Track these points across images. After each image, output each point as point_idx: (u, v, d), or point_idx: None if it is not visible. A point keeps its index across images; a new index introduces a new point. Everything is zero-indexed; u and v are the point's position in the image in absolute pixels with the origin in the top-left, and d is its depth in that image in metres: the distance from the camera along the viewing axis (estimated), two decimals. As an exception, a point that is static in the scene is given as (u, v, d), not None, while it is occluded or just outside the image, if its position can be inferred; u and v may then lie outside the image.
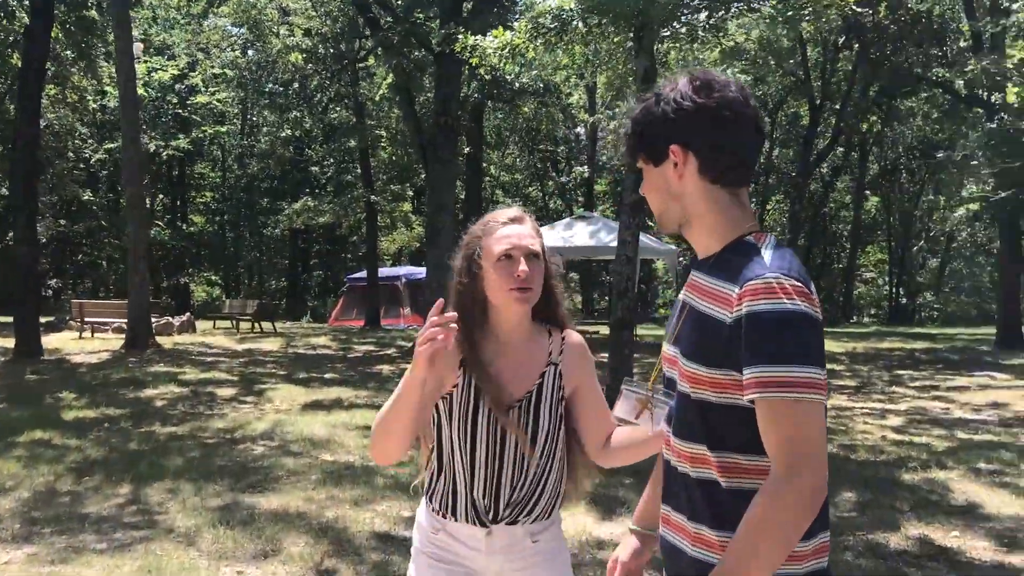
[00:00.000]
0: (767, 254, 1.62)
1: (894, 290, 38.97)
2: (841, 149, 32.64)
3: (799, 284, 1.55)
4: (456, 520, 2.11)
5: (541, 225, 23.85)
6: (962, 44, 22.66)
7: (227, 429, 8.74)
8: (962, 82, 20.47)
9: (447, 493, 2.12)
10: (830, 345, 19.20)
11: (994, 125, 18.21)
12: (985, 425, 9.36)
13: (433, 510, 2.16)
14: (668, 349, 1.80)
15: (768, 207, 37.07)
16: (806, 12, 7.94)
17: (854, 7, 8.33)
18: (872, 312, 40.87)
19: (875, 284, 42.71)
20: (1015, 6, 19.07)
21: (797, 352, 1.51)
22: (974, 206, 22.31)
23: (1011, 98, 16.19)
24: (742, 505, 1.55)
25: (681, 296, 1.83)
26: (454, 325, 1.91)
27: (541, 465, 2.13)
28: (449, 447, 2.13)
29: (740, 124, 1.69)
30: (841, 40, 21.95)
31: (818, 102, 26.89)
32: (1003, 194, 17.47)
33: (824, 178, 33.81)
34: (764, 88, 32.63)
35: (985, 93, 20.54)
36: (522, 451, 2.10)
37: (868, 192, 37.20)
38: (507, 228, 2.12)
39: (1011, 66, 16.94)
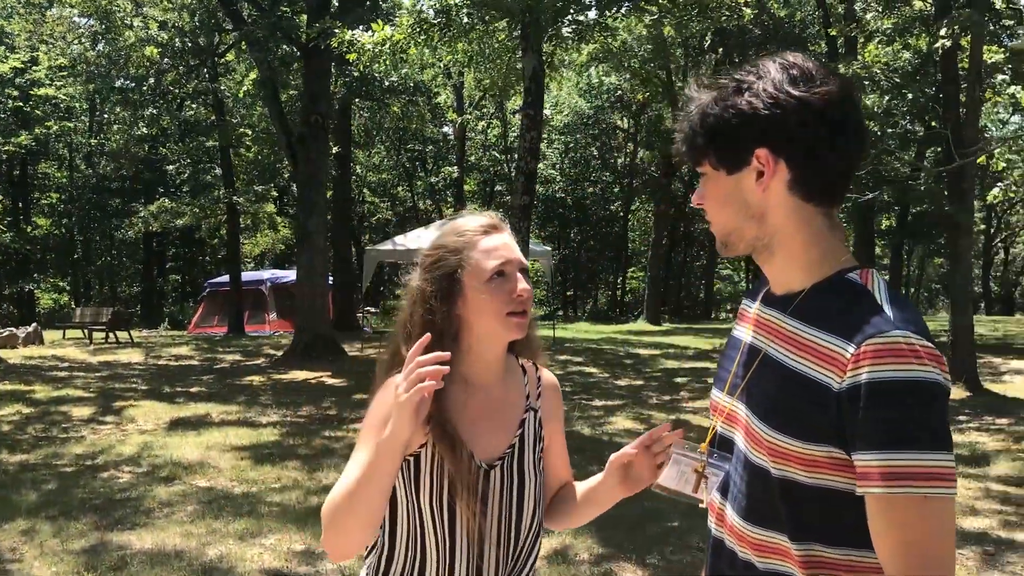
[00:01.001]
0: (884, 301, 1.30)
1: (748, 285, 40.40)
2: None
3: (930, 345, 1.24)
4: None
5: (412, 228, 23.79)
6: (823, 49, 23.55)
7: (87, 455, 7.96)
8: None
9: None
10: (699, 342, 19.58)
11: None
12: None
13: None
14: (724, 401, 1.47)
15: (632, 207, 37.82)
16: (694, 11, 7.88)
17: (744, 7, 8.31)
18: (729, 308, 42.25)
19: (732, 281, 44.31)
20: (868, 16, 19.93)
21: (930, 433, 1.20)
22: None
23: (866, 103, 16.85)
24: None
25: (746, 337, 1.48)
26: (446, 367, 1.51)
27: (532, 534, 1.76)
28: (414, 524, 1.68)
29: (847, 128, 1.34)
30: (707, 44, 22.37)
31: (680, 104, 27.41)
32: (858, 197, 18.18)
33: (685, 178, 34.60)
34: (627, 89, 33.24)
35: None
36: (509, 520, 1.72)
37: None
38: (491, 238, 1.74)
39: (860, 71, 17.63)
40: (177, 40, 20.76)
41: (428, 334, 1.56)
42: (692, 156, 1.41)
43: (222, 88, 23.92)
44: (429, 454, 1.66)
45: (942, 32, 12.47)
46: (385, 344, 1.85)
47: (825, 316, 1.31)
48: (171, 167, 32.71)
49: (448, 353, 1.53)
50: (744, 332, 1.50)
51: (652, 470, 1.64)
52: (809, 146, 1.32)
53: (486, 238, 1.73)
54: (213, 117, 24.23)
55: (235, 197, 24.45)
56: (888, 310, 1.27)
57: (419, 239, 18.78)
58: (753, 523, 1.37)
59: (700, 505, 1.52)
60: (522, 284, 1.69)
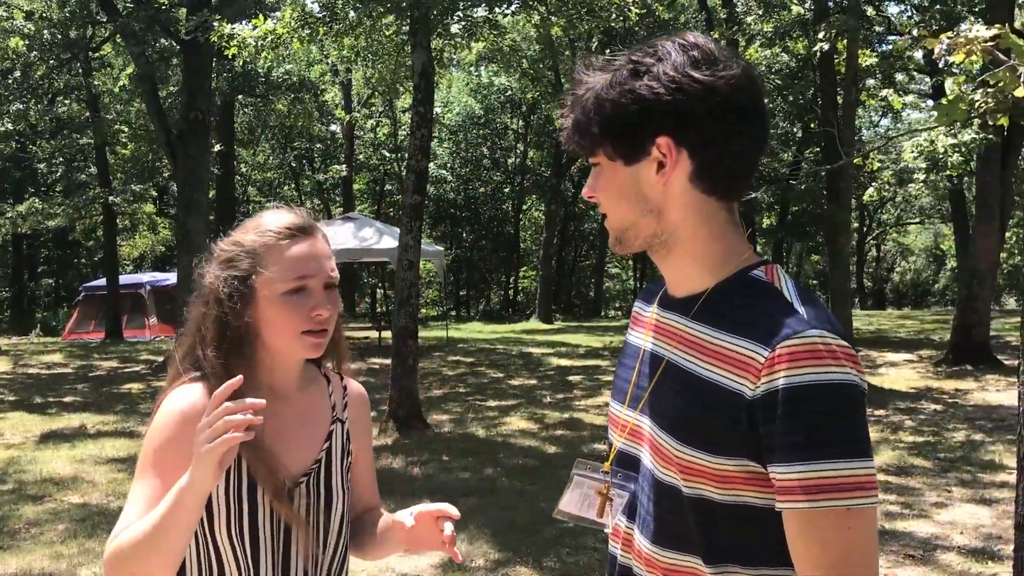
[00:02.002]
0: (794, 299, 1.21)
1: (638, 284, 41.16)
2: (590, 151, 33.97)
3: (846, 345, 1.16)
4: None
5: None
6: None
7: (-54, 473, 7.43)
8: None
9: None
10: (590, 340, 19.77)
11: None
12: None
13: None
14: (626, 415, 1.35)
15: (524, 206, 38.02)
16: (583, 10, 7.88)
17: (636, 8, 8.37)
18: (617, 305, 42.96)
19: (620, 279, 45.09)
20: (749, 19, 20.53)
21: (851, 440, 1.12)
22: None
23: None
24: None
25: (644, 344, 1.36)
26: (259, 416, 1.33)
27: (340, 556, 1.62)
28: (207, 560, 1.50)
29: (754, 115, 1.24)
30: (594, 45, 22.63)
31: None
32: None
33: (574, 179, 34.98)
34: (517, 89, 33.40)
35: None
36: (316, 540, 1.57)
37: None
38: (297, 245, 1.52)
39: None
40: (46, 32, 19.73)
41: (240, 377, 1.38)
42: (585, 146, 1.29)
43: (97, 83, 22.88)
44: (228, 480, 1.49)
45: (820, 36, 12.88)
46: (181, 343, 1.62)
47: (732, 318, 1.22)
48: (42, 165, 31.19)
49: (263, 401, 1.35)
50: (641, 338, 1.39)
51: (435, 535, 1.52)
52: (714, 135, 1.22)
53: (292, 244, 1.52)
54: (87, 113, 23.14)
55: (111, 197, 23.44)
56: (800, 309, 1.18)
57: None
58: (664, 547, 1.26)
59: (605, 530, 1.39)
60: (325, 305, 1.51)
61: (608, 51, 1.35)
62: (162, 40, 15.70)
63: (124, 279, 25.09)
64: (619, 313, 40.16)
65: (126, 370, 15.41)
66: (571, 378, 13.65)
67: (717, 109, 1.20)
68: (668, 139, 1.22)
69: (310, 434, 1.60)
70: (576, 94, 1.29)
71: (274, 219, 1.55)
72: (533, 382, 13.32)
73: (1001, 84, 3.81)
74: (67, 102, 26.51)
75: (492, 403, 11.28)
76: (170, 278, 23.04)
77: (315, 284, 1.51)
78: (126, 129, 22.62)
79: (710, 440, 1.18)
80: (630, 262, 42.26)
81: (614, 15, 8.12)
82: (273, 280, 1.49)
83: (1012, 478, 6.98)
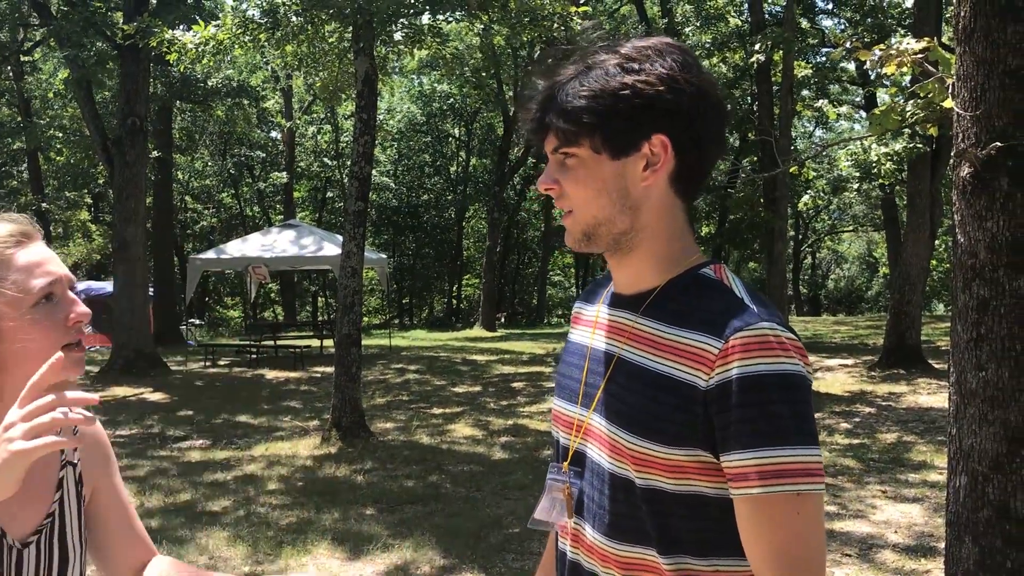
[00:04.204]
0: (743, 295, 1.24)
1: (579, 291, 41.45)
2: (532, 160, 34.14)
3: (794, 337, 1.20)
4: None
5: (238, 235, 22.87)
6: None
7: None
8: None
9: None
10: (534, 347, 19.85)
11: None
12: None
13: None
14: (578, 414, 1.35)
15: (467, 214, 38.04)
16: (527, 19, 7.95)
17: (578, 18, 8.46)
18: (560, 312, 43.18)
19: (563, 287, 45.32)
20: (687, 30, 20.87)
21: (800, 428, 1.15)
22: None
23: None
24: None
25: (593, 342, 1.37)
26: (94, 420, 1.21)
27: None
28: None
29: (726, 120, 1.28)
30: (536, 54, 22.77)
31: (512, 113, 27.85)
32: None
33: (517, 187, 35.12)
34: (459, 97, 33.45)
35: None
36: None
37: (557, 200, 39.24)
38: (27, 251, 1.32)
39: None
40: (-24, 34, 19.24)
41: (60, 355, 1.17)
42: (569, 135, 1.24)
43: (28, 87, 22.38)
44: None
45: (756, 47, 13.17)
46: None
47: (685, 313, 1.24)
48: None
49: (97, 396, 1.17)
50: (586, 336, 1.39)
51: None
52: (701, 136, 1.24)
53: (20, 251, 1.31)
54: (19, 118, 22.62)
55: (44, 204, 22.93)
56: (750, 303, 1.22)
57: (247, 247, 18.16)
58: (618, 540, 1.27)
59: (555, 527, 1.39)
60: (80, 307, 1.31)
61: (550, 61, 1.34)
62: (98, 44, 15.37)
63: (57, 288, 24.51)
64: (562, 320, 40.31)
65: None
66: (515, 384, 13.69)
67: (707, 112, 1.23)
68: (664, 137, 1.22)
69: (38, 485, 1.34)
70: (554, 80, 1.27)
71: None
72: (477, 389, 13.33)
73: (930, 95, 3.95)
74: (-2, 106, 25.86)
75: (436, 410, 11.26)
76: (106, 287, 22.55)
77: (61, 289, 1.32)
78: (60, 134, 22.15)
79: (663, 431, 1.20)
80: (572, 269, 42.57)
81: (556, 24, 8.21)
82: (17, 294, 1.27)
83: (943, 477, 7.20)
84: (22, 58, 21.29)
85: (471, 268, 39.62)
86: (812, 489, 1.15)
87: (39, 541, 1.33)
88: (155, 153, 21.75)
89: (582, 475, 1.33)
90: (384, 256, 22.23)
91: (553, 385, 1.47)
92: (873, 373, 13.83)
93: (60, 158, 25.16)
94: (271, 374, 15.45)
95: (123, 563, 1.45)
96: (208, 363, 17.23)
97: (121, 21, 14.62)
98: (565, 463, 1.37)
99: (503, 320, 32.02)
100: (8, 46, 20.31)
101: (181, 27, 10.07)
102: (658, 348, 1.24)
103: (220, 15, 9.31)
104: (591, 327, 1.40)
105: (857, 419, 10.14)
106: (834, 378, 13.54)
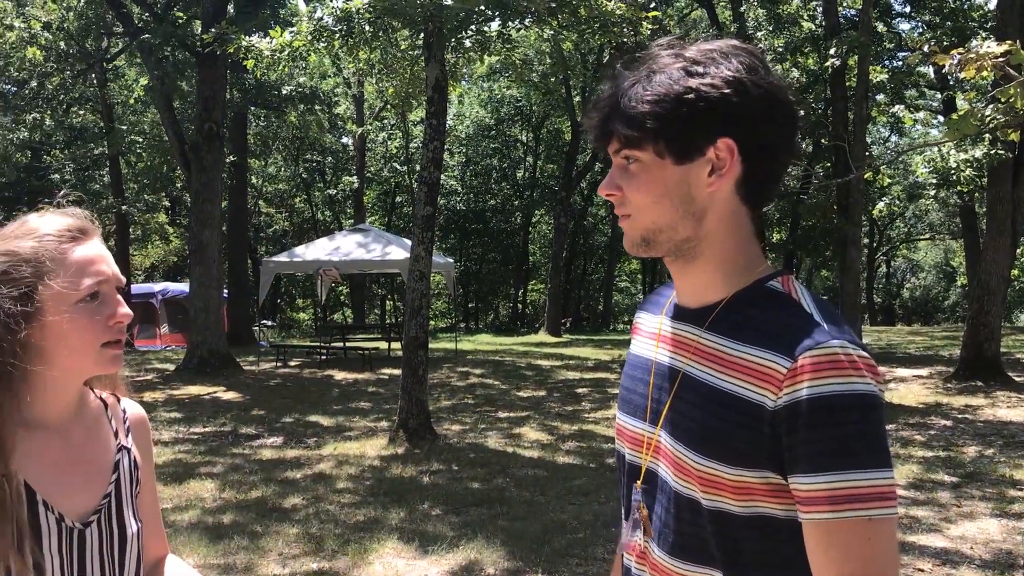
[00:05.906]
0: (813, 311, 1.19)
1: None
2: (600, 165, 34.07)
3: (866, 355, 1.15)
4: None
5: (310, 239, 23.18)
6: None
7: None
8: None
9: None
10: (599, 353, 19.79)
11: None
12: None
13: None
14: (648, 431, 1.33)
15: (534, 219, 38.10)
16: (596, 25, 7.95)
17: (647, 24, 8.44)
18: (626, 319, 42.95)
19: (629, 293, 45.08)
20: (760, 34, 20.61)
21: (874, 451, 1.12)
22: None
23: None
24: None
25: (657, 356, 1.33)
26: None
27: None
28: None
29: (797, 127, 1.24)
30: (605, 59, 22.73)
31: (579, 118, 27.82)
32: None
33: (584, 192, 35.07)
34: (527, 102, 33.54)
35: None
36: None
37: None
38: (82, 248, 1.34)
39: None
40: (62, 43, 19.94)
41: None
42: (632, 140, 1.21)
43: (111, 94, 23.11)
44: (6, 523, 1.29)
45: (831, 52, 12.95)
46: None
47: (752, 329, 1.20)
48: (56, 175, 31.45)
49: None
50: (650, 350, 1.36)
51: None
52: (769, 142, 1.21)
53: (75, 247, 1.34)
54: (102, 124, 23.38)
55: (125, 207, 23.64)
56: (820, 319, 1.17)
57: (318, 250, 18.47)
58: (682, 559, 1.25)
59: (623, 545, 1.38)
60: (123, 308, 1.35)
61: (619, 66, 1.33)
62: (177, 54, 15.83)
63: (136, 288, 25.26)
64: (627, 326, 40.15)
65: (138, 379, 15.49)
66: (579, 390, 13.67)
67: (777, 115, 1.20)
68: (730, 141, 1.19)
69: (95, 468, 1.41)
70: (618, 85, 1.24)
71: (48, 223, 1.35)
72: (542, 394, 13.35)
73: (1011, 99, 3.85)
74: (82, 112, 26.74)
75: (501, 414, 11.31)
76: (182, 288, 23.19)
77: (108, 288, 1.35)
78: (140, 140, 22.86)
79: (730, 452, 1.17)
80: (639, 275, 42.32)
81: (626, 29, 8.20)
82: (65, 288, 1.30)
83: (1022, 493, 6.98)
84: (105, 65, 21.99)
85: (537, 273, 39.67)
86: (885, 514, 1.11)
87: (99, 520, 1.38)
88: (231, 158, 22.29)
89: (653, 494, 1.31)
90: (451, 260, 22.38)
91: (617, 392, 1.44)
92: (949, 385, 13.47)
93: (140, 163, 25.96)
94: (340, 375, 15.69)
95: (143, 552, 1.49)
96: (279, 363, 17.57)
97: (199, 30, 15.02)
98: (638, 482, 1.34)
99: (568, 325, 31.97)
100: (94, 55, 21.03)
101: (258, 34, 10.32)
102: (723, 365, 1.21)
103: (295, 22, 9.50)
104: (654, 339, 1.37)
105: (932, 432, 9.89)
106: (907, 389, 13.22)
